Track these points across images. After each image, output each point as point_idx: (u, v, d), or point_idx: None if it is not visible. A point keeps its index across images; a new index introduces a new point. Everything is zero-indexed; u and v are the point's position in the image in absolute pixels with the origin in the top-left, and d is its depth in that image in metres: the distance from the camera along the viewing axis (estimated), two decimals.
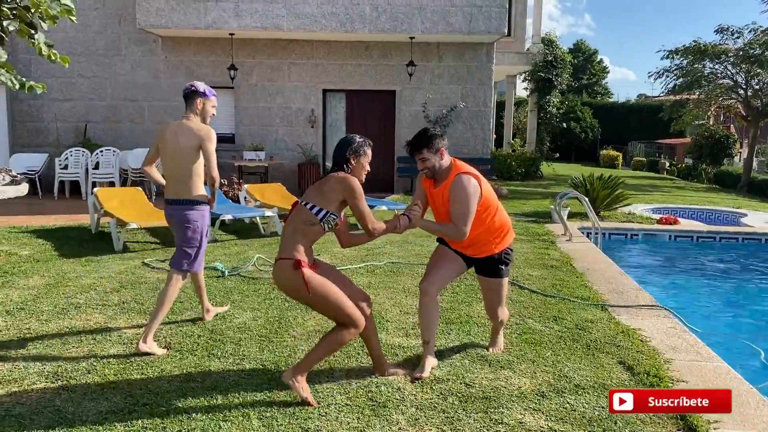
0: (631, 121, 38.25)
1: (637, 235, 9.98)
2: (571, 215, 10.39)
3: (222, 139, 13.84)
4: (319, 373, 3.73)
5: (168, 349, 4.09)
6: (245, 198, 9.62)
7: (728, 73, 21.70)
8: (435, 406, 3.36)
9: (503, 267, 3.99)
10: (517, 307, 5.26)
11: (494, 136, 20.26)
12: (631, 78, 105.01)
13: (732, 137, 26.87)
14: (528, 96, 21.36)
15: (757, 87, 21.38)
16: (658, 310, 5.33)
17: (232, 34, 13.00)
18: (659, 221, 10.69)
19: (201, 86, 4.56)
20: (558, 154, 24.47)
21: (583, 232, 9.28)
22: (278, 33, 12.97)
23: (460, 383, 3.65)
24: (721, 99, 23.43)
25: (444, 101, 13.95)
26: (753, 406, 3.47)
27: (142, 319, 4.72)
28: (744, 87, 21.53)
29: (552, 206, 10.21)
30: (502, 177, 17.36)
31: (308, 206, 3.36)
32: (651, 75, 24.09)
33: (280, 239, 3.49)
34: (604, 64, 54.16)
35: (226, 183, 10.32)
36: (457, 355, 4.10)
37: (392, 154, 14.21)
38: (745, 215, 12.61)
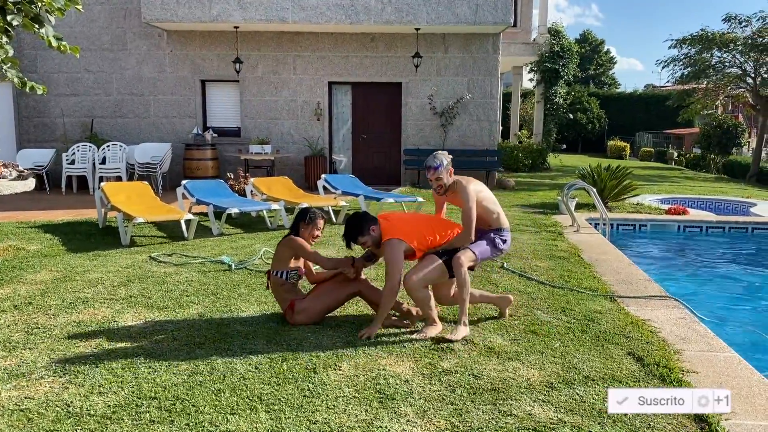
0: (639, 111, 37.97)
1: (645, 225, 9.92)
2: (579, 206, 10.34)
3: (228, 132, 13.86)
4: (326, 367, 3.72)
5: None
6: (251, 191, 9.61)
7: (736, 62, 21.52)
8: (443, 398, 3.34)
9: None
10: (525, 298, 5.23)
11: (501, 127, 20.18)
12: (638, 68, 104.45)
13: (741, 126, 26.66)
14: (534, 87, 21.24)
15: (766, 76, 21.19)
16: (667, 300, 5.29)
17: (236, 27, 12.97)
18: (668, 211, 10.61)
19: None
20: (565, 146, 24.38)
21: (591, 223, 9.23)
22: (283, 25, 12.94)
23: (469, 375, 3.63)
24: (729, 88, 23.24)
25: (450, 93, 13.88)
26: (765, 397, 3.43)
27: (149, 313, 4.72)
28: (753, 76, 21.34)
29: (559, 197, 10.15)
30: (509, 169, 17.29)
31: (274, 274, 4.49)
32: (659, 64, 23.90)
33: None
34: (611, 55, 53.85)
35: (232, 177, 10.31)
36: (465, 347, 4.08)
37: (399, 147, 14.17)
38: (755, 204, 12.51)
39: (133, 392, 3.36)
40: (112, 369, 3.66)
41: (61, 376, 3.56)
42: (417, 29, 13.00)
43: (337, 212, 9.29)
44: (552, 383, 3.55)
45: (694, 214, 10.67)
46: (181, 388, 3.41)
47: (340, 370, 3.69)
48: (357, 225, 4.33)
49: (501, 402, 3.31)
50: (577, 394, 3.41)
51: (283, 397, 3.32)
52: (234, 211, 8.08)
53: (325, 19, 12.60)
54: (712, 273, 7.88)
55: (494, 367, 3.75)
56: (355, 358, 3.87)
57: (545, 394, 3.41)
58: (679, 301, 5.27)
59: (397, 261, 4.22)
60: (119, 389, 3.40)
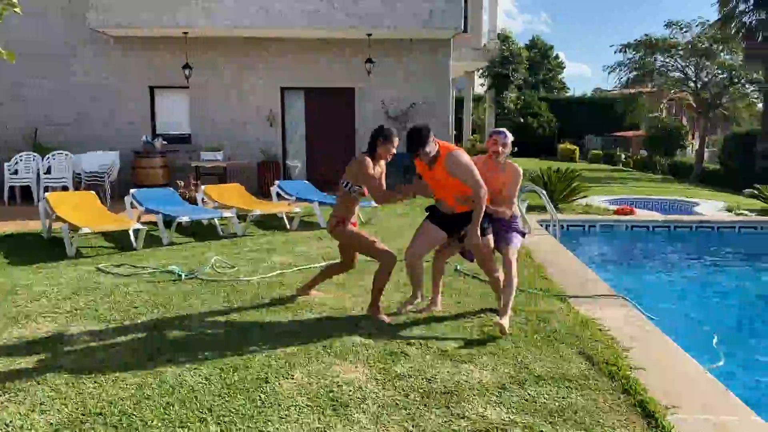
0: (588, 114, 38.85)
1: (594, 226, 10.15)
2: (530, 208, 10.50)
3: (178, 139, 13.60)
4: (278, 375, 3.67)
5: None
6: (203, 199, 9.45)
7: (678, 66, 22.28)
8: (397, 404, 3.33)
9: (485, 227, 4.51)
10: (478, 300, 5.27)
11: (454, 132, 20.40)
12: (586, 73, 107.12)
13: (684, 129, 27.59)
14: (486, 92, 21.54)
15: (706, 79, 21.99)
16: (615, 299, 5.42)
17: (185, 33, 12.75)
18: (616, 212, 10.88)
19: None
20: (516, 149, 24.73)
21: (541, 225, 9.38)
22: (234, 31, 12.79)
23: (422, 379, 3.63)
24: (672, 91, 24.05)
25: (403, 98, 13.95)
26: (707, 391, 3.54)
27: (95, 326, 4.58)
28: (694, 80, 22.12)
29: None
30: None
31: (342, 182, 4.62)
32: (606, 69, 24.55)
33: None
34: (560, 60, 55.02)
35: (182, 184, 10.12)
36: (418, 350, 4.08)
37: (353, 152, 14.14)
38: (698, 204, 12.95)
39: (77, 409, 3.25)
40: (55, 385, 3.53)
41: (0, 395, 3.41)
42: (369, 35, 13.03)
43: (291, 219, 9.21)
44: (504, 384, 3.58)
45: (641, 214, 10.97)
46: (128, 402, 3.32)
47: (292, 378, 3.65)
48: (424, 134, 4.31)
49: (454, 405, 3.32)
50: (529, 395, 3.45)
51: (234, 409, 3.26)
52: (184, 219, 7.93)
53: (276, 25, 12.51)
54: (658, 271, 8.11)
55: (448, 370, 3.77)
56: (308, 365, 3.83)
57: (497, 396, 3.44)
58: (628, 300, 5.40)
59: (472, 166, 4.34)
60: (62, 406, 3.28)
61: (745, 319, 6.19)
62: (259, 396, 3.41)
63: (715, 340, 4.85)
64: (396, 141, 4.60)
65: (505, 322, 4.39)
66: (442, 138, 14.65)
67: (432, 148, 4.35)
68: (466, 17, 13.86)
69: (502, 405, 3.33)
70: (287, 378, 3.65)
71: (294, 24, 12.53)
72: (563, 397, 3.42)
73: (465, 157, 4.40)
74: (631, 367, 3.82)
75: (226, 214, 8.33)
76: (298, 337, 4.34)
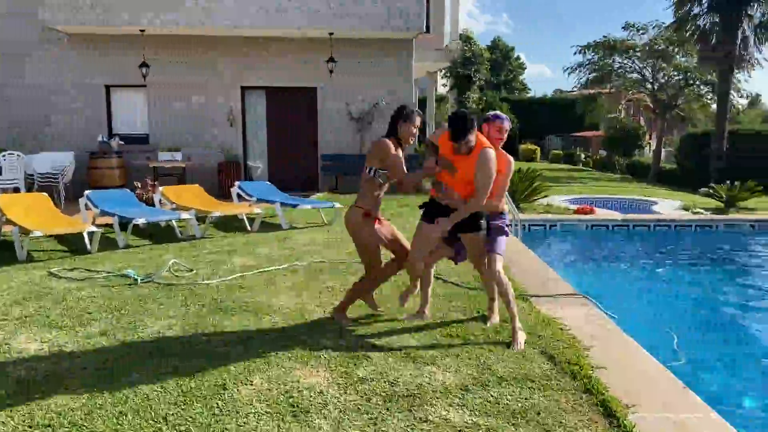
0: (548, 115, 39.40)
1: (555, 225, 10.25)
2: None
3: (135, 139, 13.29)
4: (237, 382, 3.57)
5: None
6: (160, 201, 9.23)
7: (636, 67, 22.73)
8: (359, 408, 3.27)
9: (481, 222, 4.42)
10: (441, 301, 5.24)
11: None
12: (547, 74, 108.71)
13: (641, 129, 28.17)
14: (448, 92, 21.65)
15: (663, 81, 22.48)
16: (576, 298, 5.45)
17: (143, 31, 12.46)
18: (576, 211, 11.02)
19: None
20: None
21: None
22: (194, 29, 12.55)
23: (384, 382, 3.58)
24: (630, 92, 24.52)
25: (366, 97, 13.89)
26: (667, 389, 3.57)
27: (46, 334, 4.40)
28: (651, 81, 22.59)
29: None
30: None
31: (366, 168, 4.28)
32: (566, 70, 24.92)
33: (359, 193, 4.40)
34: (521, 61, 55.69)
35: (139, 186, 9.88)
36: (381, 353, 4.03)
37: (316, 152, 14.04)
38: (656, 203, 13.22)
39: (23, 421, 3.10)
40: (1, 397, 3.37)
41: None
42: (331, 34, 12.93)
43: (252, 220, 9.06)
44: (467, 386, 3.55)
45: (601, 213, 11.14)
46: (79, 413, 3.18)
47: (251, 384, 3.56)
48: (471, 121, 4.07)
49: (416, 408, 3.27)
50: (492, 396, 3.43)
51: (191, 417, 3.15)
52: (141, 221, 7.73)
53: (237, 23, 12.33)
54: (618, 269, 8.23)
55: (410, 373, 3.72)
56: (267, 371, 3.74)
57: (460, 398, 3.40)
58: (588, 299, 5.44)
59: (492, 176, 4.14)
60: (8, 419, 3.12)
61: (703, 316, 6.31)
62: (217, 403, 3.31)
63: (675, 340, 4.92)
64: (418, 120, 4.32)
65: (519, 338, 4.22)
66: None
67: (474, 138, 4.12)
68: (428, 17, 13.88)
69: (464, 407, 3.29)
70: (246, 384, 3.55)
71: (255, 23, 12.36)
72: (526, 398, 3.40)
73: (494, 160, 4.16)
74: (592, 367, 3.83)
75: (185, 215, 8.14)
76: (258, 341, 4.24)
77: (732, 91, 18.97)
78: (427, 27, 14.04)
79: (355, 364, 3.83)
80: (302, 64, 13.62)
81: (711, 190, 12.97)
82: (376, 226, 4.40)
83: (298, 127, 14.10)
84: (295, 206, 9.24)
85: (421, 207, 4.63)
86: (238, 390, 3.47)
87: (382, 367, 3.79)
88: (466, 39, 19.18)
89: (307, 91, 13.87)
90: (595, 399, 3.38)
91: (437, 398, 3.39)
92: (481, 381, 3.62)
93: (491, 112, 4.70)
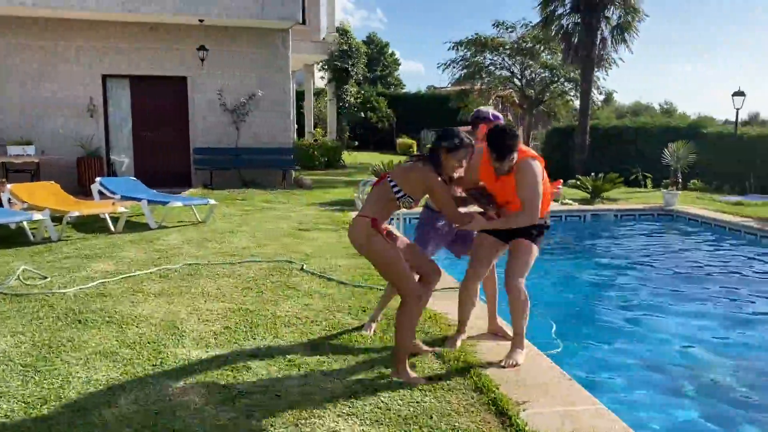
0: (423, 110, 40.24)
1: None
2: None
3: None
4: (99, 405, 3.14)
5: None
6: (9, 200, 8.26)
7: (505, 64, 23.63)
8: (238, 426, 2.97)
9: (534, 231, 3.86)
10: (325, 301, 5.02)
11: (296, 125, 20.02)
12: (420, 70, 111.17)
13: (511, 124, 29.43)
14: (326, 85, 21.41)
15: (530, 77, 23.56)
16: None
17: None
18: None
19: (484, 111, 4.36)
20: (357, 143, 24.94)
21: None
22: (47, 11, 11.39)
23: (267, 395, 3.29)
24: (500, 88, 25.48)
25: (241, 89, 13.33)
26: (555, 381, 3.57)
27: None
28: (519, 78, 23.60)
29: (355, 194, 10.19)
30: (305, 167, 17.17)
31: (392, 184, 3.49)
32: (439, 66, 25.49)
33: (365, 201, 3.63)
34: (395, 57, 56.47)
35: None
36: (263, 362, 3.73)
37: (188, 146, 13.28)
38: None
39: None
40: None
41: None
42: (201, 20, 12.26)
43: (115, 220, 8.32)
44: (356, 391, 3.35)
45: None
46: None
47: (116, 406, 3.14)
48: (515, 138, 3.57)
49: (303, 421, 3.03)
50: (382, 401, 3.25)
51: None
52: None
53: (97, 6, 11.34)
54: (499, 261, 8.37)
55: (296, 382, 3.46)
56: (134, 390, 3.33)
57: (350, 406, 3.19)
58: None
59: (539, 187, 3.62)
60: None
61: (578, 305, 6.53)
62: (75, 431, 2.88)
63: (553, 328, 5.00)
64: (465, 153, 3.45)
65: (517, 358, 3.79)
66: (283, 132, 14.31)
67: (515, 156, 3.60)
68: (304, 9, 13.54)
69: (354, 416, 3.09)
70: (110, 407, 3.14)
71: (114, 6, 11.43)
72: (417, 402, 3.26)
73: (537, 169, 3.66)
74: (481, 363, 3.77)
75: (38, 216, 7.31)
76: (123, 357, 3.80)
77: (593, 89, 20.22)
78: (303, 19, 13.71)
79: (234, 377, 3.51)
80: (171, 52, 12.82)
81: (578, 182, 13.68)
82: (387, 238, 3.58)
83: (167, 118, 13.28)
84: (164, 204, 8.61)
85: None
86: (100, 414, 3.05)
87: (265, 378, 3.50)
88: (343, 32, 19.01)
89: (176, 81, 13.08)
90: (486, 398, 3.30)
91: (326, 408, 3.16)
92: (370, 386, 3.43)
93: (489, 112, 4.36)
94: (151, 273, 5.84)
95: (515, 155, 3.60)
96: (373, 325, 4.35)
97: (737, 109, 17.45)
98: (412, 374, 3.52)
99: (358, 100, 20.94)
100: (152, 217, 8.42)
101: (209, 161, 13.10)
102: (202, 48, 12.50)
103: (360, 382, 3.47)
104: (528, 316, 3.88)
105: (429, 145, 3.57)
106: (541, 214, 3.76)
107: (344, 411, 3.14)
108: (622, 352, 5.10)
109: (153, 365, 3.66)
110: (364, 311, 4.75)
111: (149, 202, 8.56)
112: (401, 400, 3.27)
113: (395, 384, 3.46)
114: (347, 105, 19.46)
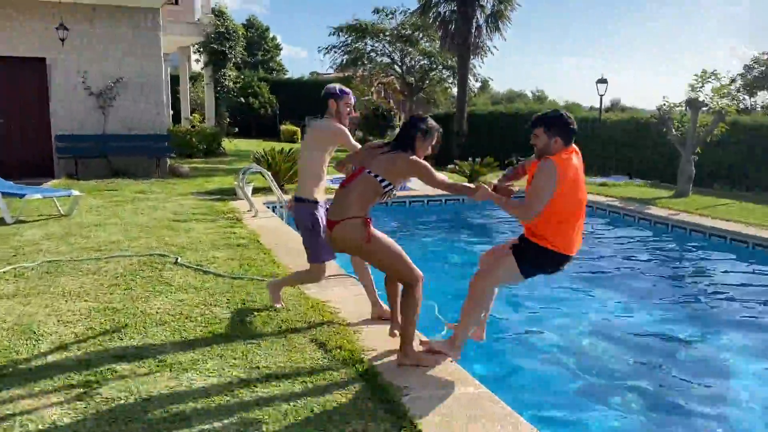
0: (307, 96, 39.80)
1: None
2: (256, 190, 10.17)
3: None
4: None
5: None
6: None
7: (386, 51, 23.83)
8: None
9: (523, 255, 3.57)
10: (201, 295, 4.76)
11: (171, 111, 19.07)
12: (302, 56, 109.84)
13: (393, 111, 29.77)
14: (203, 69, 20.57)
15: (410, 65, 23.91)
16: (345, 278, 5.36)
17: None
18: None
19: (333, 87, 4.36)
20: (237, 129, 24.23)
21: (268, 207, 9.12)
22: None
23: (135, 400, 3.05)
24: (382, 75, 25.68)
25: (108, 72, 12.44)
26: (438, 365, 3.58)
27: None
28: (399, 65, 23.89)
29: (236, 182, 9.83)
30: (182, 155, 16.39)
31: (378, 179, 3.48)
32: (320, 50, 25.28)
33: (338, 201, 3.54)
34: (277, 41, 55.37)
35: None
36: (130, 364, 3.46)
37: (49, 133, 12.24)
38: (409, 180, 13.93)
39: None
40: None
41: None
42: None
43: None
44: (233, 390, 3.18)
45: None
46: None
47: None
48: (555, 119, 3.47)
49: (172, 425, 2.82)
50: (261, 398, 3.10)
51: None
52: None
53: None
54: None
55: (166, 384, 3.23)
56: None
57: (225, 405, 3.02)
58: (356, 278, 5.38)
59: (541, 189, 3.37)
60: None
61: (459, 286, 6.64)
62: None
63: (436, 309, 5.05)
64: (436, 136, 3.68)
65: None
66: (156, 118, 13.55)
67: (550, 144, 3.49)
68: None
69: (230, 416, 2.93)
70: None
71: None
72: (298, 395, 3.15)
73: (554, 170, 3.38)
74: (363, 350, 3.71)
75: None
76: None
77: (470, 76, 20.85)
78: None
79: (97, 382, 3.23)
80: (24, 31, 11.71)
81: (456, 166, 14.05)
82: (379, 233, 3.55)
83: (24, 103, 12.14)
84: (21, 196, 7.85)
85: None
86: None
87: (131, 382, 3.25)
88: (219, 14, 18.27)
89: (33, 63, 11.98)
90: (369, 385, 3.25)
91: (200, 412, 2.97)
92: (248, 383, 3.28)
93: (336, 87, 4.39)
94: (3, 272, 5.28)
95: (538, 132, 3.48)
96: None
97: (601, 96, 18.65)
98: (419, 355, 3.61)
99: (238, 85, 20.28)
100: (8, 211, 7.66)
101: (73, 149, 12.15)
102: (61, 27, 11.51)
103: (238, 380, 3.31)
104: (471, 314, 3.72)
105: (400, 131, 3.66)
106: (560, 245, 3.49)
107: (219, 412, 2.97)
108: (505, 330, 5.25)
109: (2, 375, 3.29)
110: (244, 304, 4.56)
111: (4, 194, 7.77)
112: (281, 395, 3.15)
113: (276, 378, 3.33)
114: (226, 90, 18.79)
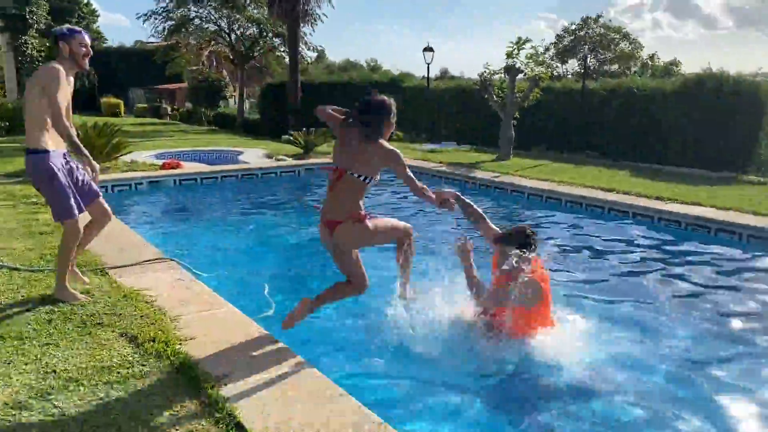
0: (130, 67, 37.20)
1: (141, 183, 9.51)
2: None
3: None
4: None
5: None
6: None
7: (212, 17, 22.67)
8: None
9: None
10: None
11: None
12: (123, 23, 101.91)
13: (224, 81, 28.60)
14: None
15: (239, 32, 22.97)
16: (163, 262, 4.98)
17: None
18: (162, 167, 10.42)
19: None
20: None
21: None
22: None
23: None
24: (212, 44, 24.45)
25: None
26: (263, 348, 3.40)
27: None
28: (227, 32, 22.86)
29: None
30: None
31: (360, 177, 3.56)
32: (139, 17, 23.47)
33: (332, 202, 3.63)
34: (93, 7, 50.75)
35: None
36: None
37: None
38: (242, 153, 13.45)
39: None
40: None
41: None
42: None
43: None
44: (21, 402, 2.77)
45: (189, 167, 10.77)
46: None
47: None
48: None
49: None
50: (57, 408, 2.73)
51: None
52: None
53: None
54: (209, 224, 7.97)
55: None
56: None
57: (11, 419, 2.62)
58: (176, 261, 5.02)
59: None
60: None
61: (292, 262, 6.46)
62: None
63: (266, 289, 4.84)
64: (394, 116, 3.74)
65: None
66: None
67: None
68: None
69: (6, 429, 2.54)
70: None
71: None
72: (102, 399, 2.81)
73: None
74: (180, 340, 3.43)
75: None
76: None
77: (302, 45, 20.45)
78: None
79: None
80: None
81: (291, 137, 13.76)
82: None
83: None
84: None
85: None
86: None
87: None
88: None
89: None
90: (184, 378, 2.99)
91: None
92: (42, 390, 2.87)
93: (65, 27, 3.99)
94: None
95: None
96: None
97: (428, 64, 19.19)
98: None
99: (43, 53, 18.23)
100: None
101: None
102: None
103: (28, 388, 2.89)
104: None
105: (366, 117, 3.58)
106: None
107: (5, 426, 2.56)
108: (339, 307, 5.12)
109: None
110: (42, 300, 4.04)
111: None
112: (81, 401, 2.79)
113: (76, 382, 2.95)
114: (30, 59, 16.82)
